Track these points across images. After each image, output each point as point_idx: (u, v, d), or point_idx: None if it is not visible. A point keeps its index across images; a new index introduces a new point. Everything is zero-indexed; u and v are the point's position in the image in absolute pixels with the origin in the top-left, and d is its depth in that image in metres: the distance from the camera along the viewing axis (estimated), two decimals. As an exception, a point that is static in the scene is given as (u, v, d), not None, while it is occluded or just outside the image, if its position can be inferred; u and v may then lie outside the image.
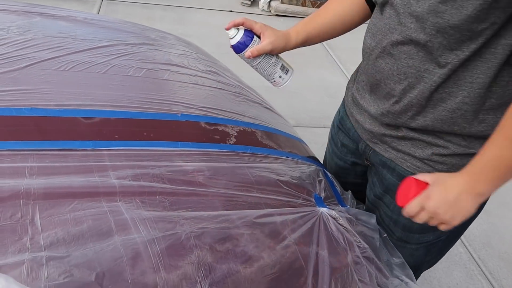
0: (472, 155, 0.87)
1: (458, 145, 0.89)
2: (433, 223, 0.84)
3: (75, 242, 0.65)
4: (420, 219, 0.84)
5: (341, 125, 1.14)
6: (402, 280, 0.91)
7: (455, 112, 0.83)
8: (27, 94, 0.93)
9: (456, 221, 0.82)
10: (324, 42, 4.11)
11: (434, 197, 0.81)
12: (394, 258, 0.94)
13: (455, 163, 0.90)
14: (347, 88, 1.13)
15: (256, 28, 1.01)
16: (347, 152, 1.14)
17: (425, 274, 1.94)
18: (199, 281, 0.66)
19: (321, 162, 1.30)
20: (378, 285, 0.90)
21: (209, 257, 0.70)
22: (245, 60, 1.03)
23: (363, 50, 0.97)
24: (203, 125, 1.03)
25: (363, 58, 0.98)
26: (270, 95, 3.15)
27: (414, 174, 0.94)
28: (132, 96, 1.05)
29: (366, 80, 0.97)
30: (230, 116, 1.12)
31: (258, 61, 1.02)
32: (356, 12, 1.05)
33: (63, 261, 0.61)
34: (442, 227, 0.84)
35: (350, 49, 3.87)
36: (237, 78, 1.51)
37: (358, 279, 0.87)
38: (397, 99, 0.89)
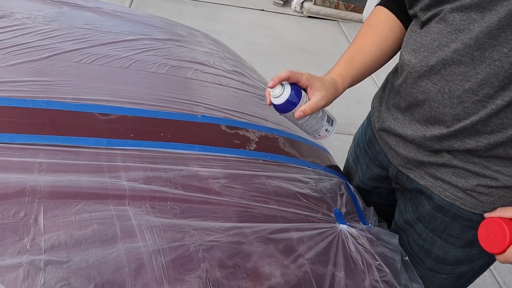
0: None
1: (509, 176, 0.78)
2: None
3: (77, 247, 0.61)
4: None
5: (368, 148, 1.05)
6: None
7: None
8: (45, 86, 0.91)
9: None
10: (355, 47, 4.03)
11: None
12: (413, 284, 0.88)
13: (502, 195, 0.81)
14: (373, 108, 1.03)
15: (303, 81, 0.85)
16: (370, 178, 1.06)
17: (446, 296, 1.85)
18: (205, 298, 0.62)
19: (341, 169, 1.24)
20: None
21: (218, 272, 0.65)
22: (289, 119, 0.90)
23: (400, 66, 0.86)
24: (223, 128, 0.99)
25: (399, 75, 0.87)
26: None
27: (454, 204, 0.86)
28: (152, 93, 1.02)
29: (401, 99, 0.87)
30: (252, 120, 1.07)
31: (306, 119, 0.88)
32: (394, 38, 0.93)
33: (62, 267, 0.58)
34: None
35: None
36: (263, 80, 1.46)
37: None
38: (447, 124, 0.78)
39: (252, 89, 1.26)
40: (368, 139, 1.05)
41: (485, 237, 0.79)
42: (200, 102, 1.04)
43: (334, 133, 0.95)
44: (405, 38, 0.86)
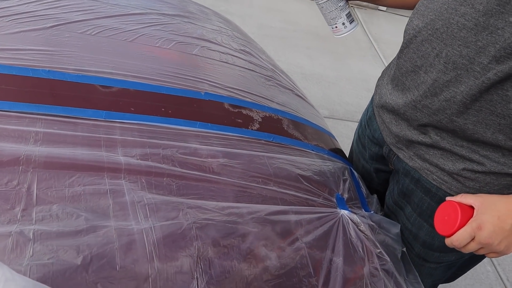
0: (510, 175, 0.77)
1: (496, 162, 0.77)
2: (481, 252, 0.75)
3: (68, 219, 0.60)
4: (468, 249, 0.75)
5: (368, 126, 1.04)
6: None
7: (504, 119, 0.72)
8: (47, 56, 0.89)
9: (511, 250, 0.73)
10: (369, 34, 3.96)
11: (487, 227, 0.71)
12: (410, 275, 0.86)
13: (489, 181, 0.79)
14: (377, 86, 1.02)
15: None
16: (371, 157, 1.05)
17: (447, 289, 1.84)
18: (196, 276, 0.60)
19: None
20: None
21: (211, 251, 0.64)
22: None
23: (405, 32, 0.85)
24: (226, 106, 0.97)
25: (403, 43, 0.86)
26: (306, 83, 3.07)
27: (440, 188, 0.84)
28: (156, 68, 1.00)
29: (398, 68, 0.86)
30: (257, 100, 1.05)
31: (325, 0, 0.93)
32: None
33: (51, 239, 0.56)
34: (492, 256, 0.75)
35: (396, 44, 3.71)
36: (272, 61, 1.43)
37: (374, 292, 0.79)
38: (437, 91, 0.77)
39: (259, 69, 1.23)
40: (369, 117, 1.04)
41: (440, 219, 0.77)
42: (204, 79, 1.02)
43: (351, 32, 0.97)
44: (416, 6, 0.85)
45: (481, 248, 0.74)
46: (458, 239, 0.73)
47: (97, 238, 0.58)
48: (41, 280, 0.52)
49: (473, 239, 0.73)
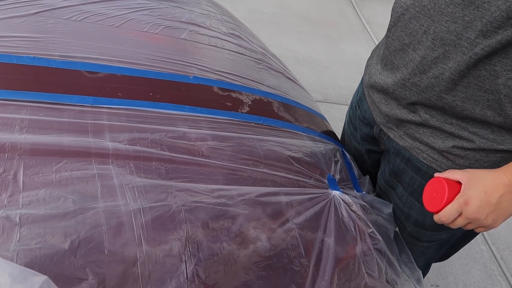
0: (500, 151, 0.77)
1: (485, 138, 0.77)
2: (469, 227, 0.76)
3: (55, 202, 0.59)
4: (456, 225, 0.75)
5: (358, 107, 1.04)
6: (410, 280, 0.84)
7: (492, 94, 0.71)
8: (32, 42, 0.87)
9: (498, 224, 0.73)
10: (362, 17, 3.93)
11: (474, 202, 0.71)
12: (403, 255, 0.86)
13: (478, 158, 0.79)
14: (366, 66, 1.02)
15: None
16: (362, 138, 1.05)
17: (441, 268, 1.85)
18: (185, 259, 0.60)
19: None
20: (387, 281, 0.83)
21: (200, 234, 0.64)
22: None
23: (393, 11, 0.84)
24: (215, 90, 0.96)
25: (391, 21, 0.85)
26: (300, 67, 3.05)
27: (430, 166, 0.84)
28: (143, 53, 0.98)
29: (387, 46, 0.86)
30: (247, 83, 1.04)
31: None
32: None
33: (38, 223, 0.56)
34: (480, 230, 0.76)
35: (389, 26, 3.68)
36: (262, 44, 1.42)
37: (366, 273, 0.80)
38: (425, 68, 0.76)
39: (249, 52, 1.22)
40: (359, 97, 1.03)
41: (428, 195, 0.78)
42: (193, 63, 1.01)
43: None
44: None
45: (469, 223, 0.74)
46: (445, 215, 0.74)
47: (85, 221, 0.57)
48: (29, 265, 0.51)
49: (460, 214, 0.73)
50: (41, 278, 0.41)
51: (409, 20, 0.78)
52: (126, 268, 0.56)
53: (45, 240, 0.54)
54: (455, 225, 0.75)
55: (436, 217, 0.76)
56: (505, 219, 0.73)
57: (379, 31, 3.76)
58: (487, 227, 0.74)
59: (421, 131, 0.84)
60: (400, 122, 0.87)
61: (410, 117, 0.83)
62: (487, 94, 0.72)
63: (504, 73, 0.69)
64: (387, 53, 0.86)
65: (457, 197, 0.73)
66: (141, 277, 0.57)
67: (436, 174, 0.81)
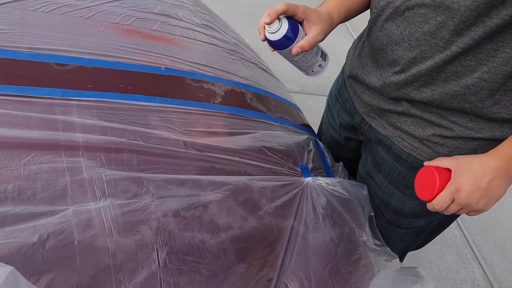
0: (477, 139, 0.80)
1: (464, 127, 0.79)
2: (462, 212, 0.78)
3: (24, 201, 0.59)
4: (449, 211, 0.77)
5: (339, 96, 1.05)
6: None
7: (469, 89, 0.74)
8: (-2, 34, 0.86)
9: (490, 207, 0.76)
10: (338, 8, 3.96)
11: (465, 188, 0.74)
12: (375, 240, 0.88)
13: (457, 146, 0.82)
14: (348, 56, 1.03)
15: (300, 15, 0.82)
16: (342, 126, 1.06)
17: (416, 254, 1.90)
18: (156, 248, 0.60)
19: (316, 131, 1.23)
20: (361, 264, 0.85)
21: (171, 223, 0.64)
22: (284, 55, 0.86)
23: (371, 10, 0.86)
24: (187, 81, 0.96)
25: (369, 20, 0.87)
26: (276, 58, 3.04)
27: (411, 154, 0.86)
28: (114, 44, 0.97)
29: (370, 45, 0.87)
30: (219, 74, 1.04)
31: (302, 55, 0.85)
32: None
33: (6, 218, 0.55)
34: (472, 214, 0.78)
35: (366, 17, 3.71)
36: (236, 35, 1.42)
37: (340, 258, 0.81)
38: (403, 67, 0.79)
39: (222, 43, 1.22)
40: (339, 87, 1.05)
41: (420, 185, 0.80)
42: (164, 55, 1.00)
43: (327, 68, 0.92)
44: None
45: (462, 208, 0.77)
46: (438, 203, 0.76)
47: (55, 217, 0.57)
48: (-4, 258, 0.51)
49: (453, 201, 0.76)
50: (7, 269, 0.41)
51: (385, 21, 0.79)
52: (97, 258, 0.56)
53: (13, 236, 0.54)
54: (448, 212, 0.77)
55: (429, 205, 0.78)
56: (496, 202, 0.76)
57: (356, 22, 3.78)
58: (479, 211, 0.77)
59: (402, 120, 0.86)
60: (382, 112, 0.88)
61: (393, 106, 0.85)
62: (463, 89, 0.74)
63: (480, 67, 0.71)
64: (371, 51, 0.87)
65: (448, 184, 0.75)
66: (112, 266, 0.57)
67: (425, 163, 0.82)
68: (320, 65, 0.90)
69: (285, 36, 0.80)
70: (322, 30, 0.84)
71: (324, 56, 0.91)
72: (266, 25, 0.80)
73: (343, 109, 1.03)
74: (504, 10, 0.64)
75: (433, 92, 0.77)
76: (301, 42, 0.81)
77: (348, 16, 0.92)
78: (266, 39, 0.83)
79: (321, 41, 0.85)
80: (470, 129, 0.79)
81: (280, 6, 0.79)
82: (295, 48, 0.81)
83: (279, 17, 0.80)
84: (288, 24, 0.79)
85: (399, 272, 0.80)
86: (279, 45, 0.82)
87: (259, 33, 0.83)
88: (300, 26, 0.82)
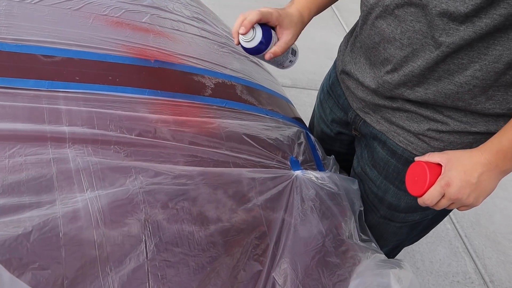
0: (473, 133, 0.79)
1: (459, 121, 0.79)
2: (452, 207, 0.78)
3: (9, 193, 0.58)
4: (440, 206, 0.77)
5: (331, 91, 1.04)
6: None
7: (462, 87, 0.73)
8: (-17, 25, 0.85)
9: (480, 202, 0.76)
10: (331, 3, 3.96)
11: (455, 183, 0.73)
12: (362, 234, 0.88)
13: (452, 140, 0.82)
14: (339, 51, 1.02)
15: (273, 21, 0.85)
16: (334, 121, 1.05)
17: (408, 247, 1.91)
18: (144, 239, 0.60)
19: (307, 124, 1.22)
20: (348, 256, 0.85)
21: (160, 214, 0.64)
22: (257, 58, 0.91)
23: (361, 7, 0.85)
24: (177, 73, 0.95)
25: (360, 17, 0.86)
26: (270, 54, 3.04)
27: (406, 149, 0.86)
28: (103, 36, 0.96)
29: (361, 42, 0.87)
30: (210, 66, 1.04)
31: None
32: None
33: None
34: (463, 209, 0.78)
35: (359, 12, 3.71)
36: (227, 28, 1.41)
37: (327, 250, 0.81)
38: (396, 66, 0.78)
39: (213, 36, 1.21)
40: (332, 82, 1.04)
41: (411, 180, 0.80)
42: (154, 47, 0.99)
43: (297, 61, 0.98)
44: None
45: (452, 203, 0.77)
46: (429, 198, 0.76)
47: (40, 212, 0.56)
48: (-21, 250, 0.50)
49: (443, 195, 0.75)
50: (-12, 261, 0.40)
51: (376, 19, 0.79)
52: (83, 251, 0.56)
53: (-4, 226, 0.53)
54: (439, 207, 0.77)
55: (420, 200, 0.78)
56: (486, 197, 0.76)
57: (349, 16, 3.78)
58: (469, 206, 0.77)
59: (397, 115, 0.85)
60: (377, 107, 0.88)
61: (387, 102, 0.85)
62: (456, 87, 0.74)
63: (472, 65, 0.70)
64: (363, 49, 0.86)
65: (438, 179, 0.75)
66: (99, 258, 0.57)
67: (416, 158, 0.82)
68: (290, 61, 0.96)
69: (259, 44, 0.83)
70: (294, 34, 0.87)
71: (294, 52, 0.96)
72: (241, 35, 0.83)
73: (336, 105, 1.03)
74: (494, 10, 0.64)
75: (426, 91, 0.77)
76: (274, 48, 0.85)
77: (319, 11, 0.95)
78: (240, 44, 0.86)
79: (292, 44, 0.89)
80: (466, 123, 0.79)
81: (253, 16, 0.81)
82: (268, 54, 0.85)
83: (254, 25, 0.82)
84: (262, 32, 0.83)
85: (381, 261, 0.80)
86: (253, 52, 0.86)
87: (233, 38, 0.86)
88: (273, 32, 0.86)
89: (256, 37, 0.82)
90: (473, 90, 0.73)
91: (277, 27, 0.86)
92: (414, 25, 0.72)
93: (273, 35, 0.85)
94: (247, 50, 0.86)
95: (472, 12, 0.64)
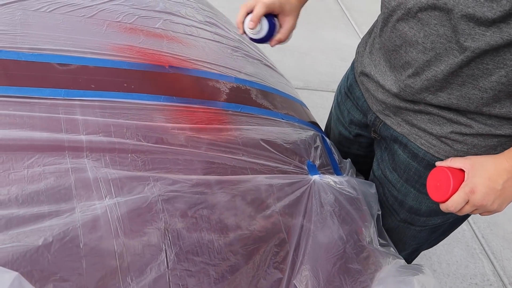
0: (497, 136, 0.77)
1: (484, 124, 0.77)
2: (476, 213, 0.77)
3: (28, 202, 0.58)
4: (463, 212, 0.76)
5: (350, 93, 1.03)
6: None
7: (486, 92, 0.71)
8: (-1, 35, 0.85)
9: (503, 208, 0.74)
10: (341, 2, 3.93)
11: (479, 189, 0.72)
12: (380, 239, 0.87)
13: (476, 143, 0.79)
14: (357, 52, 1.00)
15: (276, 10, 0.90)
16: (352, 123, 1.04)
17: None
18: (165, 248, 0.59)
19: (323, 127, 1.21)
20: (370, 262, 0.83)
21: (179, 223, 0.63)
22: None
23: (381, 9, 0.83)
24: (192, 79, 0.95)
25: (380, 19, 0.85)
26: (280, 55, 3.04)
27: (428, 152, 0.84)
28: (117, 44, 0.96)
29: (381, 44, 0.85)
30: (224, 71, 1.03)
31: None
32: None
33: (11, 222, 0.54)
34: (486, 215, 0.77)
35: (369, 12, 3.69)
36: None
37: (348, 256, 0.80)
38: (418, 71, 0.76)
39: (226, 40, 1.20)
40: (350, 84, 1.02)
41: (433, 186, 0.78)
42: (168, 53, 0.99)
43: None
44: None
45: (476, 209, 0.75)
46: (453, 205, 0.74)
47: (60, 220, 0.56)
48: (1, 263, 0.50)
49: (467, 202, 0.74)
50: (12, 274, 0.40)
51: (397, 22, 0.77)
52: (104, 261, 0.55)
53: (18, 239, 0.53)
54: (462, 212, 0.75)
55: (443, 207, 0.76)
56: (510, 203, 0.74)
57: (359, 17, 3.76)
58: (492, 212, 0.75)
59: (419, 117, 0.83)
60: (397, 109, 0.86)
61: (409, 104, 0.83)
62: (481, 93, 0.72)
63: (497, 70, 0.68)
64: (383, 51, 0.85)
65: (462, 185, 0.74)
66: (120, 269, 0.56)
67: (437, 163, 0.81)
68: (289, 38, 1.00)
69: (266, 34, 0.90)
70: (295, 18, 0.93)
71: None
72: (248, 28, 0.89)
73: (355, 107, 1.01)
74: None
75: (449, 96, 0.75)
76: (279, 36, 0.92)
77: None
78: (245, 34, 0.91)
79: (295, 27, 0.95)
80: (490, 126, 0.77)
81: (260, 10, 0.86)
82: (274, 41, 0.92)
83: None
84: (268, 23, 0.89)
85: (403, 267, 0.79)
86: (260, 41, 0.92)
87: (238, 28, 0.91)
88: (276, 20, 0.92)
89: (262, 29, 0.89)
90: (498, 95, 0.71)
91: (280, 15, 0.92)
92: (438, 29, 0.70)
93: (276, 23, 0.92)
94: (255, 41, 0.92)
95: (500, 18, 0.63)
